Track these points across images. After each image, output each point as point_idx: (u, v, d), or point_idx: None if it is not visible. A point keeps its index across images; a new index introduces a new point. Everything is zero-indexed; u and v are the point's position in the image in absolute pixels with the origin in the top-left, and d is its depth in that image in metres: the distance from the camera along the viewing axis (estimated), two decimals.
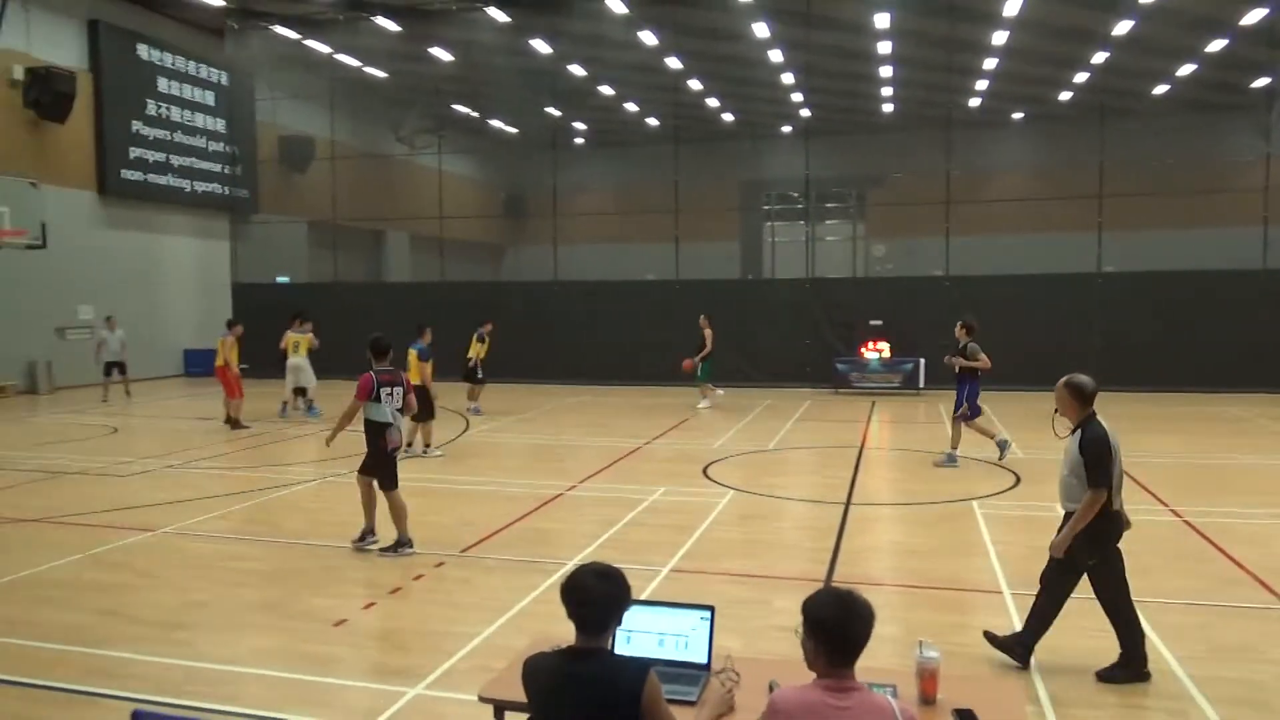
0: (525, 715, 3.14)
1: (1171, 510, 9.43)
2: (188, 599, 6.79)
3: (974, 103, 29.51)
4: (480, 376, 17.16)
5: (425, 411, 12.86)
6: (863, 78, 28.06)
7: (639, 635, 3.68)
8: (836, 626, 2.75)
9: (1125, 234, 22.09)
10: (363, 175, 27.98)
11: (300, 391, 16.81)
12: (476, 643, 5.84)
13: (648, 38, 23.82)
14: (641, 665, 2.95)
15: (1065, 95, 28.62)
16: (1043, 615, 5.38)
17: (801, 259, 24.44)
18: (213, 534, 8.65)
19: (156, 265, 25.07)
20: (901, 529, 9.09)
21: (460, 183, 32.13)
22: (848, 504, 9.81)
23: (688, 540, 8.32)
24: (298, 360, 16.38)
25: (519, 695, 3.08)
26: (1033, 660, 5.44)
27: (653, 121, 33.63)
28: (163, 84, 24.70)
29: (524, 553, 7.96)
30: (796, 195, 31.22)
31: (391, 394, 7.96)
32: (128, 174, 23.70)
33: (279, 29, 25.14)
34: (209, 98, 26.37)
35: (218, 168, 26.68)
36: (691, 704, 3.32)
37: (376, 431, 7.91)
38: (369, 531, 8.09)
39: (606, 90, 30.00)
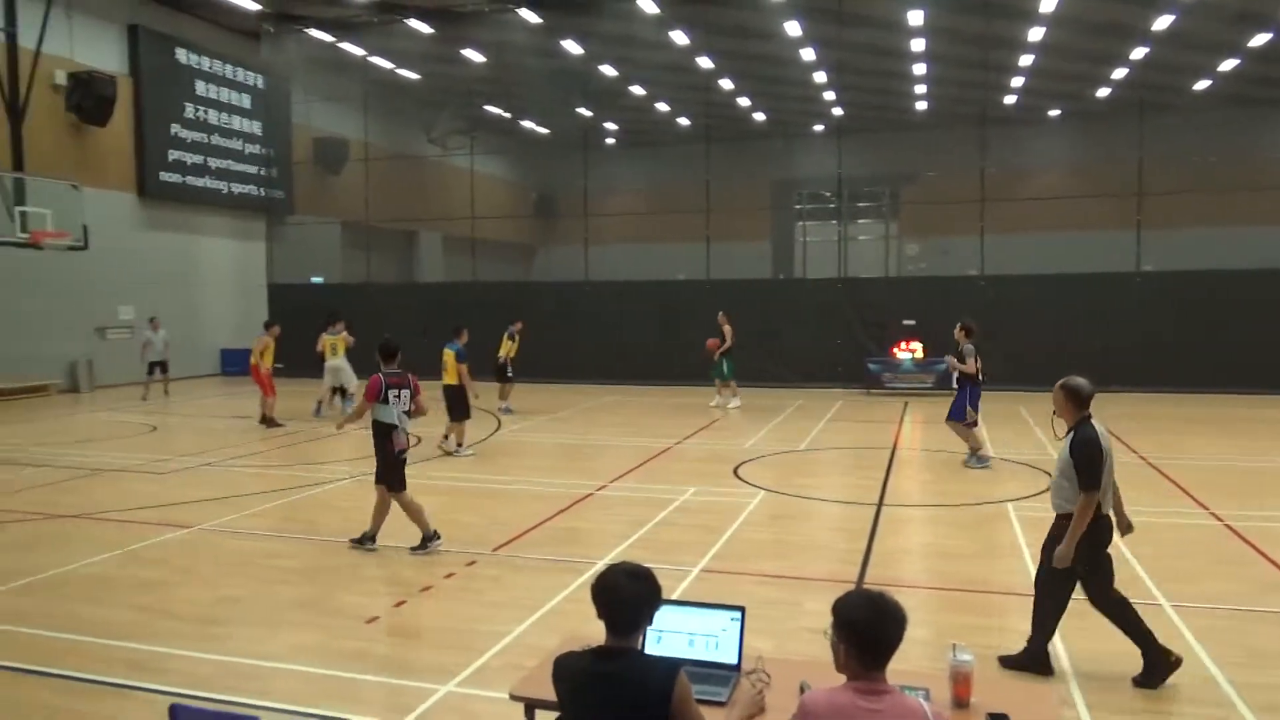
0: (556, 714, 3.15)
1: (1212, 514, 9.25)
2: (223, 595, 6.89)
3: (1009, 99, 29.14)
4: (510, 375, 17.25)
5: (461, 411, 12.96)
6: (896, 75, 27.83)
7: (669, 635, 3.68)
8: (868, 628, 2.73)
9: (1165, 232, 21.72)
10: (395, 176, 28.22)
11: (340, 391, 16.98)
12: (507, 641, 5.87)
13: (679, 37, 23.80)
14: (671, 665, 2.95)
15: (1103, 91, 28.19)
16: (1044, 622, 5.33)
17: (833, 258, 24.30)
18: (248, 531, 8.77)
19: (194, 266, 25.46)
20: (934, 531, 9.00)
21: (492, 183, 32.31)
22: (880, 505, 9.74)
23: (718, 540, 8.30)
24: (337, 362, 16.54)
25: (550, 694, 3.09)
26: (1068, 664, 5.37)
27: (684, 121, 33.60)
28: (200, 87, 25.08)
29: (555, 552, 7.98)
30: (828, 194, 31.03)
31: (400, 396, 8.00)
32: (166, 176, 24.09)
33: (314, 32, 25.43)
34: (245, 100, 26.72)
35: (254, 169, 27.03)
36: (722, 704, 3.30)
37: (383, 433, 7.96)
38: (374, 535, 8.12)
39: (638, 90, 30.02)
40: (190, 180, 24.84)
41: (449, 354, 13.01)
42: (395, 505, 8.07)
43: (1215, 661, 5.47)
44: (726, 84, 28.41)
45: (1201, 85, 27.33)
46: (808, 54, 24.99)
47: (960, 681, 3.42)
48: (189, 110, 24.69)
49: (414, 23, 24.13)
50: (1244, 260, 20.33)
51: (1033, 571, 7.24)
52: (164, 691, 5.03)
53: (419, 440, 13.87)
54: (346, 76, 27.17)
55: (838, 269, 23.73)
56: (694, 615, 3.75)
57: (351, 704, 5.00)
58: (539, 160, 36.85)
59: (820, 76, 27.20)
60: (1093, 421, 5.20)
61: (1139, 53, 23.78)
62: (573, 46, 24.81)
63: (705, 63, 25.20)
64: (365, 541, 8.08)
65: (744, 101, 30.95)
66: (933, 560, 8.07)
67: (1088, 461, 5.05)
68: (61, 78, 20.97)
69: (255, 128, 27.06)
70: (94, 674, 5.37)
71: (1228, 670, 5.34)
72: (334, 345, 16.59)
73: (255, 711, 4.83)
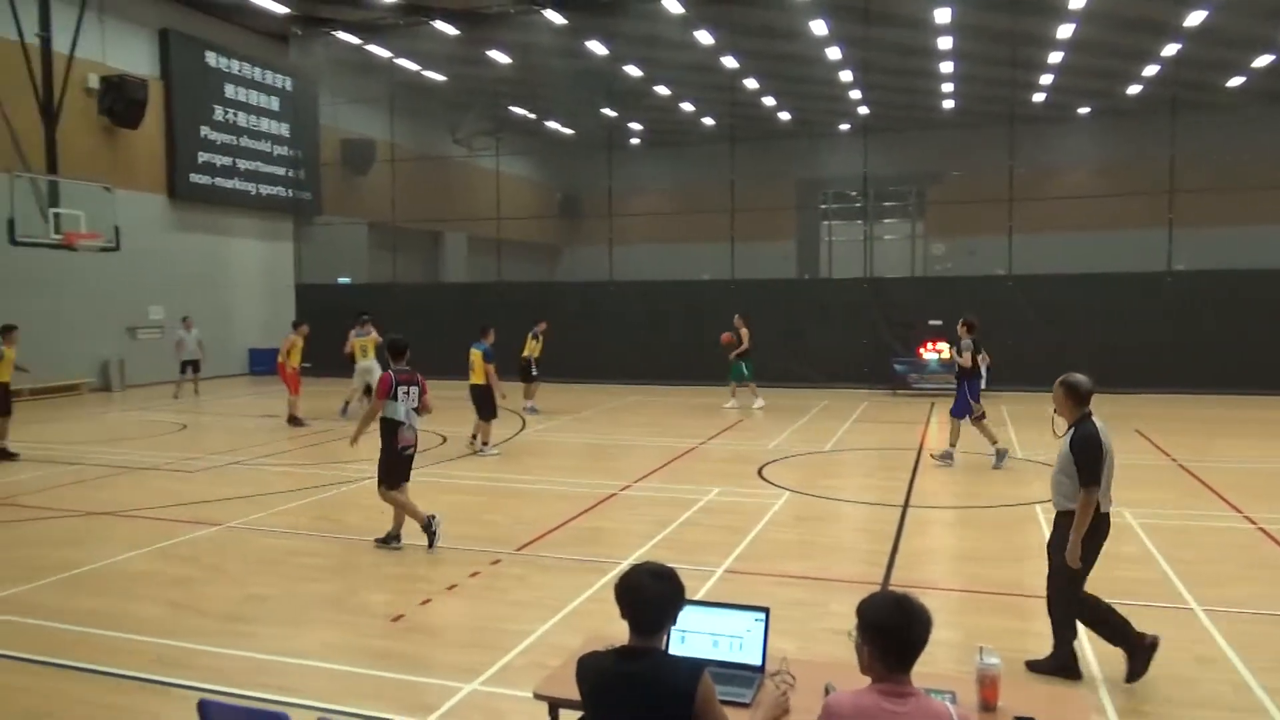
0: (579, 713, 3.15)
1: (1246, 517, 9.11)
2: (251, 592, 6.96)
3: (1038, 97, 28.85)
4: (535, 375, 17.30)
5: (488, 410, 13.02)
6: (922, 74, 27.63)
7: (693, 635, 3.67)
8: (893, 631, 2.71)
9: (1197, 231, 21.41)
10: (421, 177, 28.39)
11: (370, 391, 17.07)
12: (531, 640, 5.89)
13: (704, 37, 23.78)
14: (695, 665, 2.94)
15: (1134, 89, 27.84)
16: (1080, 621, 5.31)
17: (859, 258, 24.17)
18: (276, 529, 8.86)
19: (223, 267, 25.76)
20: (961, 533, 8.93)
21: (517, 184, 32.42)
22: (905, 506, 9.67)
23: (742, 541, 8.28)
24: (367, 363, 16.63)
25: (573, 693, 3.10)
26: (1096, 669, 5.31)
27: (709, 121, 33.55)
28: (229, 90, 25.36)
29: (579, 551, 7.99)
30: (854, 194, 30.85)
31: (408, 393, 8.07)
32: (196, 178, 24.39)
33: (341, 34, 25.66)
34: (274, 103, 26.99)
35: (282, 171, 27.30)
36: (745, 706, 3.29)
37: (389, 429, 8.03)
38: (397, 535, 8.17)
39: (662, 90, 30.02)
40: (219, 182, 25.12)
41: (476, 354, 13.08)
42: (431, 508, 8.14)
43: (1247, 666, 5.38)
44: (751, 83, 28.34)
45: (1235, 82, 26.92)
46: (833, 53, 24.87)
47: (987, 685, 3.39)
48: (218, 113, 24.98)
49: (440, 24, 24.28)
50: (1278, 260, 20.02)
51: None
52: (193, 687, 5.10)
53: (444, 439, 13.97)
54: (373, 78, 27.38)
55: (863, 269, 23.60)
56: (718, 616, 3.74)
57: (377, 701, 5.03)
58: (564, 161, 36.95)
59: (846, 75, 27.06)
60: (1093, 419, 5.21)
61: (1171, 49, 23.44)
62: (597, 47, 24.85)
63: (730, 62, 25.16)
64: (389, 541, 8.13)
65: (769, 101, 30.86)
66: (959, 562, 8.00)
67: (1089, 459, 5.06)
68: (94, 81, 21.29)
69: (283, 130, 27.32)
70: (126, 669, 5.44)
71: (1260, 675, 5.25)
72: (364, 347, 16.70)
73: (282, 708, 4.87)
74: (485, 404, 13.04)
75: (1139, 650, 5.12)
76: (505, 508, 9.90)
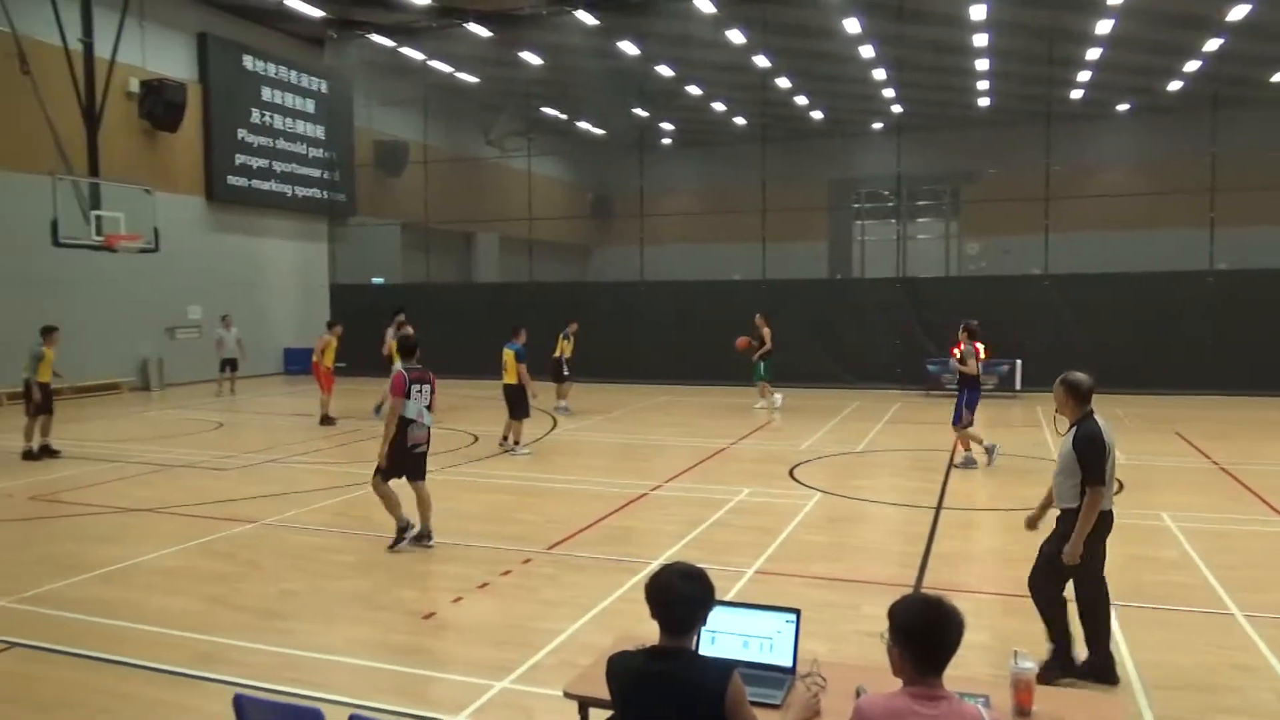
0: (609, 713, 3.15)
1: None
2: (286, 589, 7.04)
3: (1076, 94, 28.44)
4: (566, 375, 17.34)
5: (521, 410, 13.08)
6: (957, 71, 27.36)
7: (723, 636, 3.66)
8: (924, 633, 2.68)
9: (1239, 229, 21.00)
10: (454, 178, 28.59)
11: None
12: (562, 639, 5.90)
13: (736, 36, 23.70)
14: (725, 666, 2.93)
15: (1175, 85, 27.35)
16: (1089, 618, 5.25)
17: (892, 258, 23.98)
18: (309, 527, 8.95)
19: (259, 267, 26.09)
20: (995, 535, 8.82)
21: (548, 184, 32.54)
22: (939, 508, 9.57)
23: (773, 542, 8.24)
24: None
25: (603, 692, 3.10)
26: (1134, 675, 5.23)
27: (740, 120, 33.45)
28: (266, 93, 25.68)
29: (609, 551, 8.00)
30: (887, 193, 30.64)
31: (421, 391, 8.12)
32: (233, 180, 24.73)
33: (375, 37, 25.92)
34: (309, 105, 27.30)
35: (317, 173, 27.60)
36: (776, 707, 3.28)
37: (400, 426, 8.06)
38: (426, 533, 8.21)
39: (694, 90, 29.98)
40: (256, 184, 25.45)
41: (508, 354, 13.15)
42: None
43: None
44: (784, 82, 28.21)
45: (1279, 77, 26.35)
46: (867, 51, 24.69)
47: (1022, 689, 3.34)
48: (255, 115, 25.31)
49: (473, 26, 24.43)
50: None
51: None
52: (229, 682, 5.16)
53: (475, 439, 14.04)
54: (407, 80, 27.63)
55: (896, 269, 23.40)
56: (748, 617, 3.72)
57: (408, 698, 5.06)
58: (595, 161, 37.02)
59: (879, 73, 26.86)
60: (1095, 417, 5.19)
61: (1213, 44, 23.01)
62: (629, 47, 24.87)
63: (762, 61, 25.06)
64: (422, 539, 8.18)
65: (801, 100, 30.70)
66: (994, 565, 7.90)
67: (1093, 458, 5.05)
68: (134, 85, 21.66)
69: (318, 132, 27.62)
70: (163, 663, 5.53)
71: None
72: None
73: (315, 703, 4.92)
74: (518, 404, 13.10)
75: (1066, 663, 5.14)
76: (536, 507, 9.93)
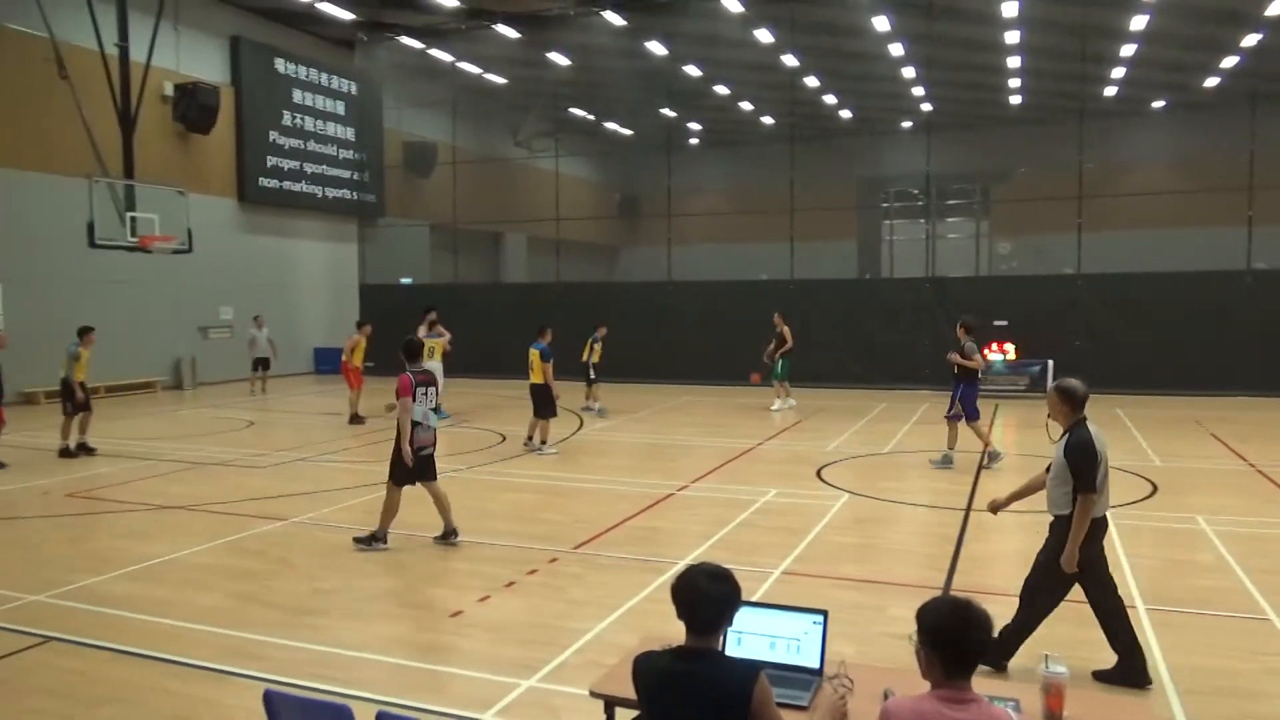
0: (635, 712, 3.15)
1: None
2: (316, 586, 7.10)
3: (1109, 92, 28.05)
4: (594, 378, 17.35)
5: (547, 410, 13.12)
6: (988, 69, 27.07)
7: (750, 637, 3.65)
8: (953, 636, 2.66)
9: (1278, 228, 20.63)
10: (482, 179, 28.75)
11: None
12: (588, 638, 5.91)
13: (764, 35, 23.62)
14: (751, 667, 2.92)
15: (1211, 81, 26.89)
16: (1029, 623, 5.31)
17: (921, 258, 23.79)
18: (338, 524, 9.02)
19: (290, 268, 26.38)
20: (1026, 537, 8.68)
21: (576, 185, 32.61)
22: (968, 510, 9.48)
23: (800, 543, 8.20)
24: (433, 364, 16.84)
25: (629, 692, 3.10)
26: (1168, 679, 5.15)
27: (768, 120, 33.33)
28: (297, 95, 25.96)
29: (636, 551, 8.00)
30: (917, 192, 30.42)
31: (426, 394, 8.16)
32: (265, 182, 25.01)
33: (405, 40, 26.10)
34: (339, 107, 27.56)
35: (347, 174, 27.85)
36: (803, 709, 3.26)
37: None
38: (450, 531, 8.24)
39: (721, 90, 29.91)
40: (287, 185, 25.73)
41: (534, 353, 13.19)
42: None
43: None
44: (812, 81, 28.06)
45: None
46: (896, 49, 24.50)
47: (1053, 694, 3.30)
48: (286, 118, 25.58)
49: (501, 28, 24.54)
50: None
51: (1133, 583, 7.00)
52: (259, 677, 5.22)
53: (503, 438, 14.10)
54: (436, 82, 27.80)
55: (926, 268, 23.22)
56: (775, 618, 3.71)
57: (436, 695, 5.09)
58: (623, 161, 37.05)
59: (909, 72, 26.63)
60: (1088, 424, 5.18)
61: (1250, 40, 22.61)
62: (657, 47, 24.86)
63: (790, 60, 24.95)
64: (448, 537, 8.23)
65: (830, 99, 30.52)
66: (1023, 568, 7.72)
67: (1085, 466, 5.03)
68: (169, 89, 22.00)
69: (348, 133, 27.88)
70: (195, 658, 5.60)
71: None
72: (431, 349, 16.88)
73: (344, 700, 4.96)
74: (544, 403, 13.13)
75: (1128, 668, 5.13)
76: (563, 506, 9.95)
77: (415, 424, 8.09)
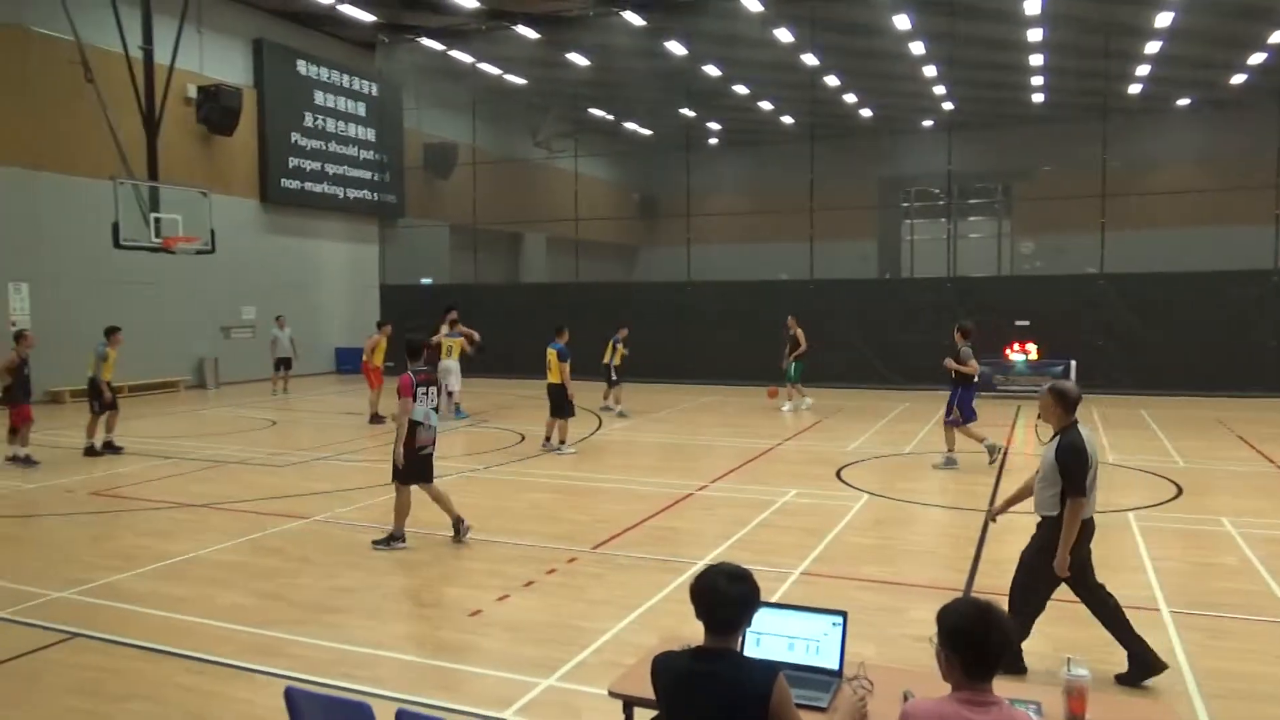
0: (654, 712, 3.14)
1: None
2: (335, 584, 7.14)
3: (1134, 89, 27.78)
4: (615, 379, 17.34)
5: (564, 409, 13.14)
6: (1011, 67, 26.88)
7: (768, 638, 3.63)
8: (973, 638, 2.64)
9: None
10: (502, 179, 28.82)
11: (450, 391, 17.33)
12: (607, 638, 5.91)
13: (783, 35, 23.56)
14: (770, 668, 2.91)
15: (1238, 78, 26.57)
16: (1021, 628, 5.30)
17: (942, 257, 23.66)
18: (358, 523, 9.07)
19: (311, 268, 26.57)
20: None
21: (595, 185, 32.65)
22: (990, 511, 9.38)
23: (819, 544, 8.17)
24: (448, 363, 16.92)
25: (648, 692, 3.10)
26: (1193, 685, 5.10)
27: (788, 119, 33.23)
28: (319, 97, 26.13)
29: (654, 551, 7.99)
30: (938, 191, 30.22)
31: (428, 393, 8.16)
32: (287, 183, 25.20)
33: (425, 41, 26.22)
34: (360, 109, 27.72)
35: (368, 175, 28.02)
36: (822, 710, 3.25)
37: (409, 429, 8.08)
38: (458, 522, 8.27)
39: (741, 89, 29.85)
40: (309, 186, 25.92)
41: (551, 353, 13.22)
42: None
43: None
44: (832, 80, 27.96)
45: None
46: (917, 48, 24.37)
47: (1075, 697, 3.27)
48: (308, 119, 25.77)
49: (521, 29, 24.60)
50: None
51: (1157, 585, 6.93)
52: (279, 674, 5.26)
53: (522, 438, 14.13)
54: (456, 83, 27.92)
55: (947, 268, 23.08)
56: (794, 619, 3.69)
57: (455, 694, 5.11)
58: (642, 161, 37.07)
59: (930, 70, 26.48)
60: (1079, 426, 5.19)
61: (1278, 36, 22.31)
62: (676, 47, 24.85)
63: (810, 59, 24.87)
64: (459, 531, 8.25)
65: (850, 98, 30.39)
66: None
67: (1075, 469, 5.04)
68: (192, 91, 22.22)
69: (369, 134, 28.04)
70: (216, 655, 5.65)
71: None
72: (450, 348, 16.95)
73: (364, 698, 4.99)
74: (561, 403, 13.16)
75: (1140, 664, 5.14)
76: (582, 506, 9.97)
77: (417, 423, 8.09)
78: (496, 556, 7.91)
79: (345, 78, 27.07)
